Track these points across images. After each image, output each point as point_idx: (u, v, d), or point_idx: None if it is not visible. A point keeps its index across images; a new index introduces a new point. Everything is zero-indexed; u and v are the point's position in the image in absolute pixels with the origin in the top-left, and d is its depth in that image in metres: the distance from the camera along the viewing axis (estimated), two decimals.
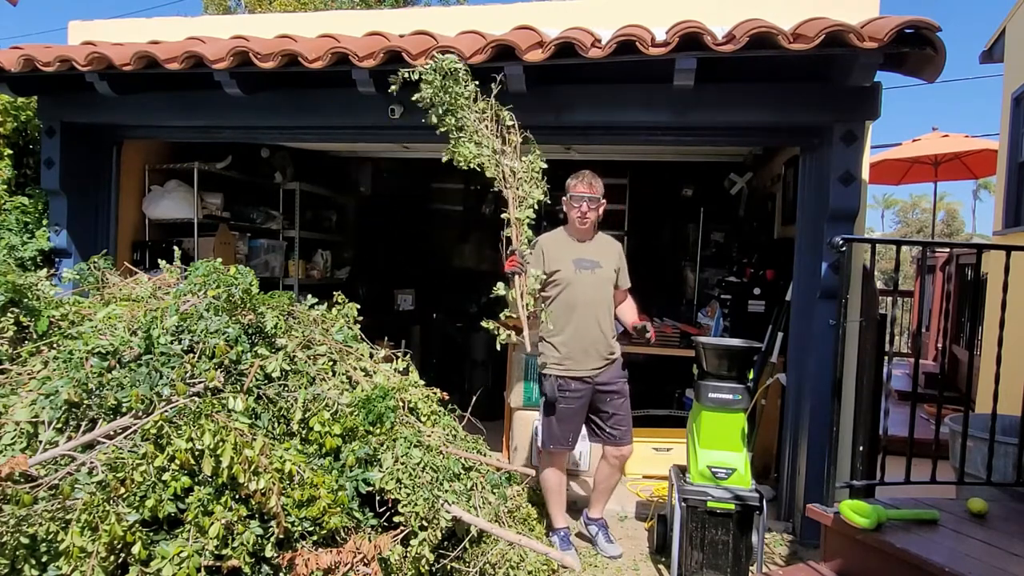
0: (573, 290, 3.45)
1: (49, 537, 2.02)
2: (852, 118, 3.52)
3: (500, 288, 3.18)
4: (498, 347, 3.20)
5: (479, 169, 3.11)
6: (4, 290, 2.78)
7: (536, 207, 3.13)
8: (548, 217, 5.68)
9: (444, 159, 3.19)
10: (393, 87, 3.21)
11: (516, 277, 3.10)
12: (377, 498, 2.50)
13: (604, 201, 3.53)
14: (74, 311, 2.96)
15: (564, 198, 3.53)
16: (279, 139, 5.17)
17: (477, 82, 3.11)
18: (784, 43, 2.99)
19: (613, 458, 3.59)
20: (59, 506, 2.05)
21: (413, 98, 3.17)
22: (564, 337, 3.43)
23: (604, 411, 3.52)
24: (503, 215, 3.16)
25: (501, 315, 3.27)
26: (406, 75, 3.14)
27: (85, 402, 2.33)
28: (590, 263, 3.49)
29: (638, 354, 4.79)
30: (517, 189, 3.11)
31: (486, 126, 3.10)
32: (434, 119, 3.11)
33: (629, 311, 3.72)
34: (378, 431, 2.61)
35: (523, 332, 3.11)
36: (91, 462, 2.17)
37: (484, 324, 3.16)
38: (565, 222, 3.63)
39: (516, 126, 3.14)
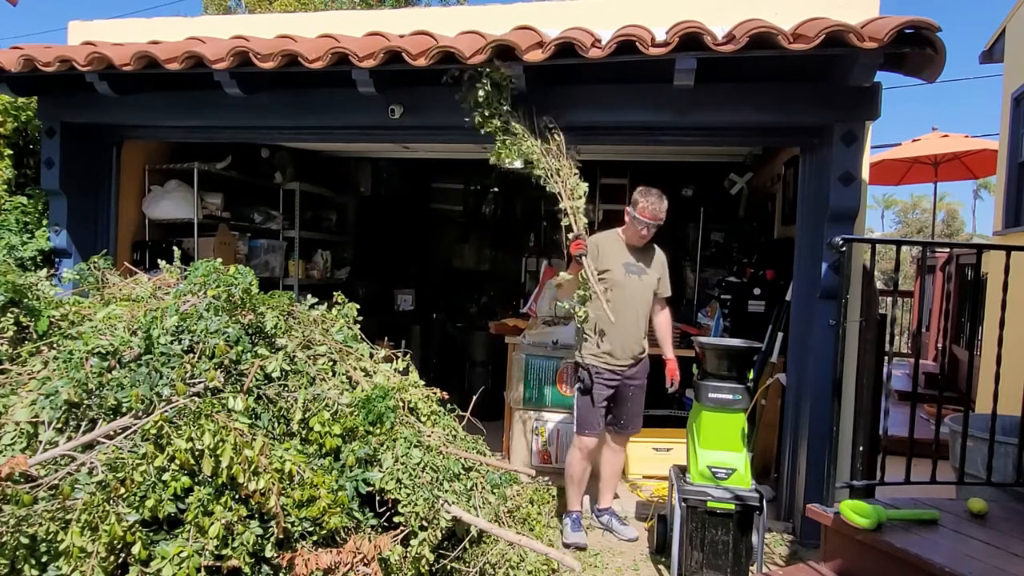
0: (621, 291, 3.64)
1: (49, 537, 2.02)
2: (852, 118, 3.52)
3: (564, 275, 3.60)
4: (577, 323, 3.66)
5: (527, 167, 3.50)
6: (4, 290, 2.79)
7: (583, 196, 3.49)
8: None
9: (491, 161, 3.58)
10: (479, 90, 3.45)
11: (584, 258, 3.42)
12: (377, 498, 2.50)
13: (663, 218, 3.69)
14: (74, 311, 2.96)
15: (629, 209, 3.68)
16: (279, 139, 5.17)
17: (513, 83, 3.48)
18: (784, 43, 2.99)
19: (616, 443, 3.92)
20: (59, 506, 2.05)
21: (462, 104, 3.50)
22: (608, 333, 3.64)
23: (624, 403, 3.79)
24: (559, 205, 3.47)
25: (576, 295, 3.54)
26: (454, 74, 3.53)
27: (85, 402, 2.33)
28: (638, 268, 3.72)
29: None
30: (566, 181, 3.45)
31: (528, 129, 3.50)
32: (478, 120, 3.51)
33: (667, 332, 3.91)
34: (378, 431, 2.61)
35: (603, 306, 3.39)
36: (91, 462, 2.17)
37: (561, 305, 3.64)
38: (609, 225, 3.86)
39: (557, 128, 3.56)
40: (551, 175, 3.48)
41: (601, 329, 3.66)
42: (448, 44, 3.31)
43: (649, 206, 3.59)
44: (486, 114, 3.49)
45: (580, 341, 3.74)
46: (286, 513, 2.22)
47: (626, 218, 3.72)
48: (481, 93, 3.42)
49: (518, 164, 3.50)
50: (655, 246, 3.86)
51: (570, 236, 3.45)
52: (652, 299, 3.79)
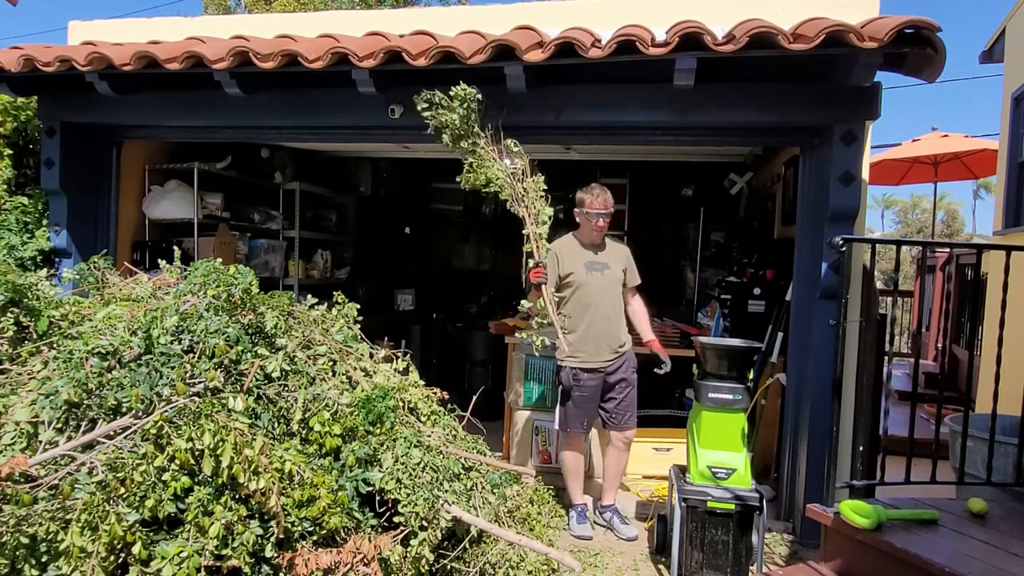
0: (585, 291, 3.74)
1: (49, 537, 2.02)
2: (852, 118, 3.51)
3: (525, 304, 3.60)
4: (536, 353, 3.70)
5: (497, 191, 3.56)
6: (4, 290, 2.79)
7: (547, 221, 3.58)
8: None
9: (463, 185, 3.66)
10: (424, 112, 3.54)
11: (543, 286, 3.52)
12: (377, 498, 2.50)
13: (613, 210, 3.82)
14: (74, 311, 2.96)
15: (578, 211, 3.78)
16: (279, 139, 5.17)
17: (481, 102, 3.50)
18: (784, 43, 2.99)
19: (619, 440, 3.90)
20: (59, 506, 2.05)
21: (429, 122, 3.54)
22: (579, 333, 3.72)
23: (612, 398, 3.83)
24: (523, 231, 3.57)
25: (533, 323, 3.65)
26: (428, 98, 3.53)
27: (85, 402, 2.34)
28: (600, 265, 3.79)
29: (638, 354, 4.80)
30: (531, 206, 3.53)
31: (495, 151, 3.58)
32: (448, 141, 3.58)
33: (642, 317, 3.96)
34: (378, 431, 2.61)
35: (557, 334, 3.50)
36: (91, 462, 2.18)
37: (521, 335, 3.69)
38: (575, 227, 3.90)
39: (521, 152, 3.59)
40: (517, 199, 3.54)
41: (573, 331, 3.72)
42: (448, 44, 3.31)
43: (598, 199, 3.70)
44: (456, 135, 3.56)
45: (558, 344, 3.76)
46: (286, 513, 2.22)
47: (578, 219, 3.81)
48: (455, 117, 3.47)
49: (494, 187, 3.57)
50: (616, 242, 3.95)
51: (530, 263, 3.54)
52: (621, 292, 3.86)
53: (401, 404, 2.84)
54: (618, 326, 3.82)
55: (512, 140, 3.59)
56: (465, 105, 3.45)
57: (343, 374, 2.84)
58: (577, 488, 3.94)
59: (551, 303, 3.53)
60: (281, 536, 2.22)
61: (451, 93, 3.45)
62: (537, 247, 3.53)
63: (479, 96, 3.45)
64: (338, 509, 2.32)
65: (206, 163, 5.27)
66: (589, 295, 3.74)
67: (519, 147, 3.59)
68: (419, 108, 3.55)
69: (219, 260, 2.90)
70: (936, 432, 3.03)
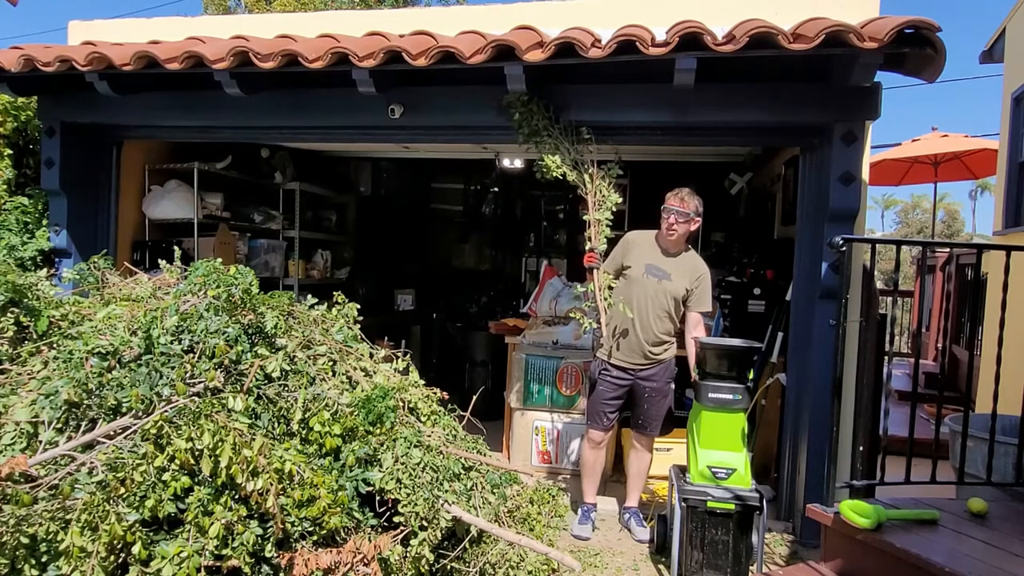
0: (634, 290, 3.69)
1: (49, 537, 2.02)
2: (852, 118, 3.52)
3: (579, 287, 3.82)
4: (583, 333, 3.98)
5: (562, 177, 3.67)
6: (4, 290, 2.78)
7: (612, 208, 3.69)
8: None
9: (538, 175, 3.79)
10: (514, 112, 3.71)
11: (594, 271, 3.65)
12: (377, 498, 2.50)
13: (698, 219, 3.69)
14: (74, 311, 2.96)
15: (661, 208, 3.69)
16: (279, 139, 5.17)
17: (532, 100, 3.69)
18: (784, 43, 2.99)
19: (636, 440, 3.93)
20: (59, 506, 2.05)
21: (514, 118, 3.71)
22: (613, 328, 3.73)
23: (641, 405, 3.80)
24: (584, 216, 3.74)
25: (584, 305, 3.86)
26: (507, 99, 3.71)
27: (85, 402, 2.33)
28: (661, 272, 3.68)
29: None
30: (596, 193, 3.63)
31: (567, 140, 3.69)
32: (521, 139, 3.75)
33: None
34: (378, 431, 2.61)
35: (600, 320, 3.64)
36: (91, 462, 2.17)
37: (571, 314, 3.84)
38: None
39: (592, 138, 3.73)
40: (582, 185, 3.70)
41: (614, 326, 3.72)
42: (448, 44, 3.31)
43: (676, 195, 3.62)
44: (526, 132, 3.70)
45: (598, 336, 3.85)
46: (286, 513, 2.22)
47: (661, 217, 3.69)
48: (516, 116, 3.68)
49: (557, 173, 3.69)
50: (697, 260, 3.75)
51: (586, 247, 3.68)
52: (672, 306, 3.65)
53: (401, 404, 2.84)
54: (653, 336, 3.66)
55: (586, 128, 3.71)
56: (517, 104, 3.67)
57: (343, 374, 2.84)
58: (591, 487, 3.91)
59: (599, 289, 3.57)
60: (281, 536, 2.22)
61: (518, 96, 3.64)
62: (595, 232, 3.63)
63: (526, 97, 3.63)
64: (338, 509, 2.32)
65: (206, 163, 5.27)
66: (636, 296, 3.64)
67: (590, 134, 3.71)
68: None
69: (219, 260, 2.89)
70: (936, 432, 3.03)
